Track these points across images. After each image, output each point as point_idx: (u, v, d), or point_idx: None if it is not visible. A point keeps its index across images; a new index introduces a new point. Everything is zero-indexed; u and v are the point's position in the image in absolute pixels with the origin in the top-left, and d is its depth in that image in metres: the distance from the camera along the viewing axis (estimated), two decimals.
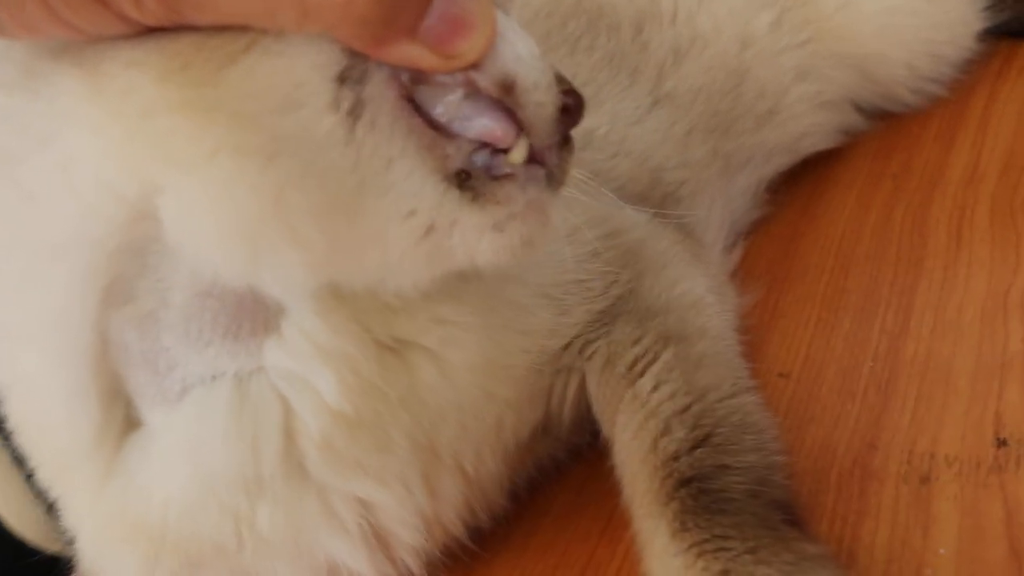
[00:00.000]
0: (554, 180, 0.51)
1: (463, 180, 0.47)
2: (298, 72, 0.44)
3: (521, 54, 0.47)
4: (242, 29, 0.43)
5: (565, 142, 0.52)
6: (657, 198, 0.83)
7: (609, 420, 0.63)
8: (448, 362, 0.56)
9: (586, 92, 0.80)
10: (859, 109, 1.02)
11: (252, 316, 0.52)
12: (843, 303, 0.77)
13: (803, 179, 0.98)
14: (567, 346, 0.65)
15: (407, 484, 0.56)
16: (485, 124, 0.47)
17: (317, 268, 0.49)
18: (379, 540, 0.58)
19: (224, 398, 0.53)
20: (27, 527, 0.77)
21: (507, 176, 0.48)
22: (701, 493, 0.55)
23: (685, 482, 0.56)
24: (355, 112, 0.44)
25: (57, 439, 0.54)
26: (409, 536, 0.58)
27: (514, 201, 0.48)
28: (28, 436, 0.57)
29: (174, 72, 0.43)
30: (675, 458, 0.57)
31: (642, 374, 0.62)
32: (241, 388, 0.53)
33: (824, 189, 0.95)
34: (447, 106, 0.47)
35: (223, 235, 0.46)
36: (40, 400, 0.54)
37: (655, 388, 0.61)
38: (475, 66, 0.46)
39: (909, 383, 0.66)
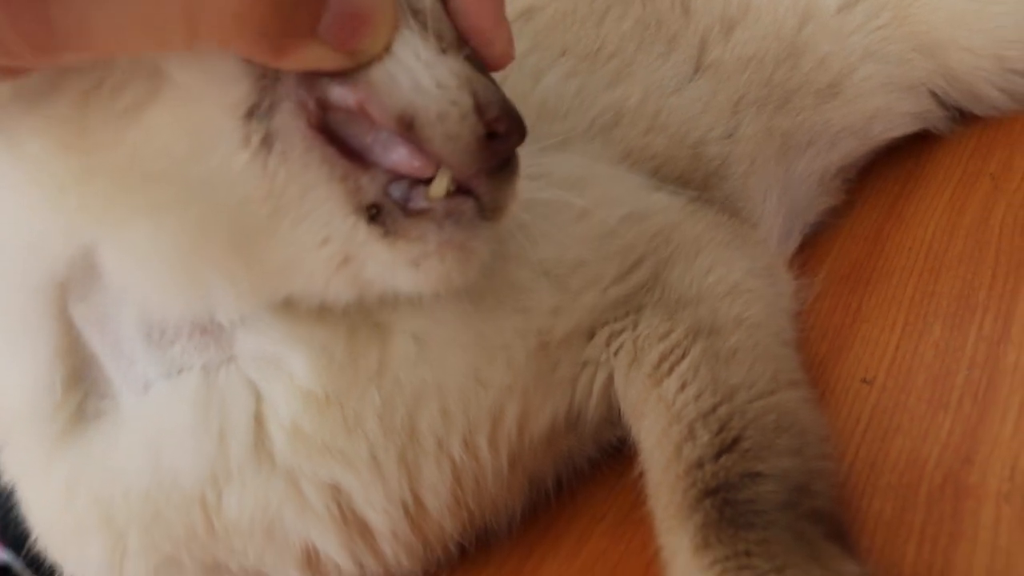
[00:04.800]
0: (487, 211, 0.48)
1: (373, 215, 0.44)
2: (204, 118, 0.43)
3: (423, 83, 0.44)
4: (129, 79, 0.43)
5: (502, 167, 0.48)
6: (699, 179, 0.77)
7: (636, 423, 0.58)
8: (427, 338, 0.53)
9: (613, 64, 0.74)
10: (941, 103, 0.94)
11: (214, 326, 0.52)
12: (933, 308, 0.70)
13: (890, 178, 0.91)
14: (591, 337, 0.60)
15: (380, 467, 0.53)
16: (400, 155, 0.44)
17: (255, 295, 0.48)
18: (354, 526, 0.54)
19: (190, 392, 0.51)
20: None
21: (423, 212, 0.45)
22: (726, 504, 0.49)
23: (709, 492, 0.50)
24: (267, 143, 0.43)
25: (10, 399, 0.54)
26: (385, 523, 0.54)
27: (427, 240, 0.45)
28: None
29: (74, 138, 0.43)
30: (699, 465, 0.52)
31: (669, 373, 0.57)
32: (208, 380, 0.52)
33: (913, 188, 0.88)
34: (360, 134, 0.45)
35: (158, 285, 0.48)
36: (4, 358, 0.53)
37: (681, 388, 0.56)
38: (368, 100, 0.43)
39: (1011, 393, 0.58)
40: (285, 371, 0.52)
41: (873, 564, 0.50)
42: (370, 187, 0.44)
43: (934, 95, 0.93)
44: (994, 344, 0.63)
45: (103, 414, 0.53)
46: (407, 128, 0.44)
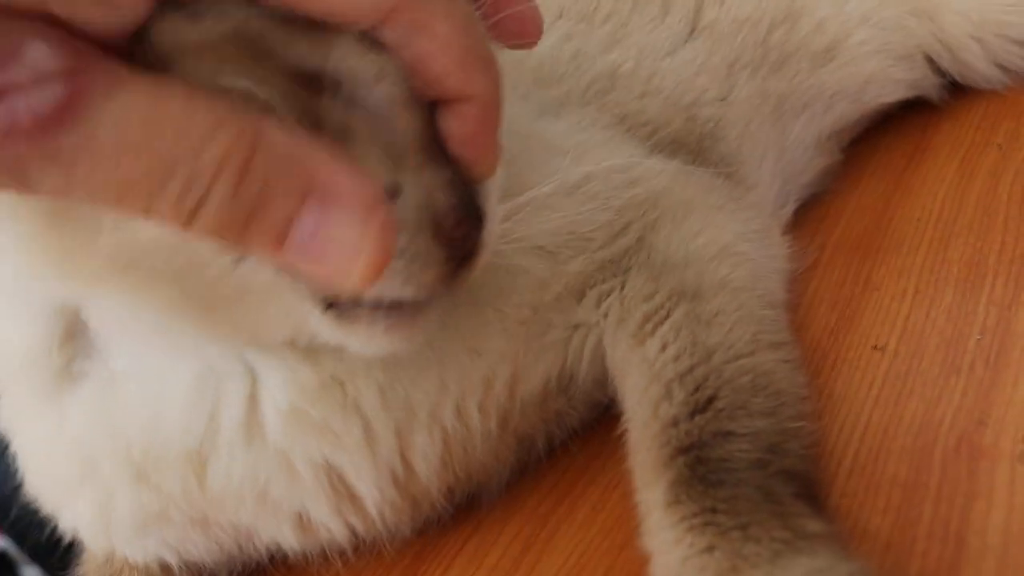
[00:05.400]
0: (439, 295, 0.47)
1: (329, 305, 0.46)
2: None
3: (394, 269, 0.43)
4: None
5: (463, 260, 0.46)
6: (693, 142, 0.77)
7: (621, 383, 0.58)
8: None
9: (608, 27, 0.78)
10: (937, 70, 0.94)
11: None
12: (944, 275, 0.70)
13: (896, 151, 0.91)
14: (581, 298, 0.61)
15: (374, 442, 0.54)
16: None
17: (229, 344, 0.52)
18: (344, 495, 0.56)
19: (186, 367, 0.53)
20: None
21: (373, 303, 0.45)
22: (698, 463, 0.50)
23: (683, 450, 0.51)
24: (239, 259, 0.44)
25: (9, 350, 0.55)
26: (374, 492, 0.56)
27: (376, 325, 0.46)
28: None
29: (46, 229, 0.43)
30: (673, 424, 0.53)
31: (652, 334, 0.58)
32: (207, 363, 0.53)
33: (920, 161, 0.88)
34: None
35: (143, 338, 0.52)
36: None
37: (662, 349, 0.57)
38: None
39: (1023, 356, 0.59)
40: (286, 361, 0.53)
41: (889, 524, 0.50)
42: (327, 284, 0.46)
43: (930, 61, 0.93)
44: (1005, 308, 0.64)
45: (88, 374, 0.54)
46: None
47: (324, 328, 0.47)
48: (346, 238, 0.36)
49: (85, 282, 0.46)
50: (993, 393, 0.57)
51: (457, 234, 0.44)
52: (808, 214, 0.85)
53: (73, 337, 0.53)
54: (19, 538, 0.99)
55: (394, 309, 0.46)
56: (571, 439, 0.64)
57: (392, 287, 0.43)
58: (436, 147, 0.44)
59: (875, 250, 0.76)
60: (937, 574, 0.47)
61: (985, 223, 0.74)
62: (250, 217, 0.36)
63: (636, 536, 0.57)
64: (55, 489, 0.58)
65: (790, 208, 0.82)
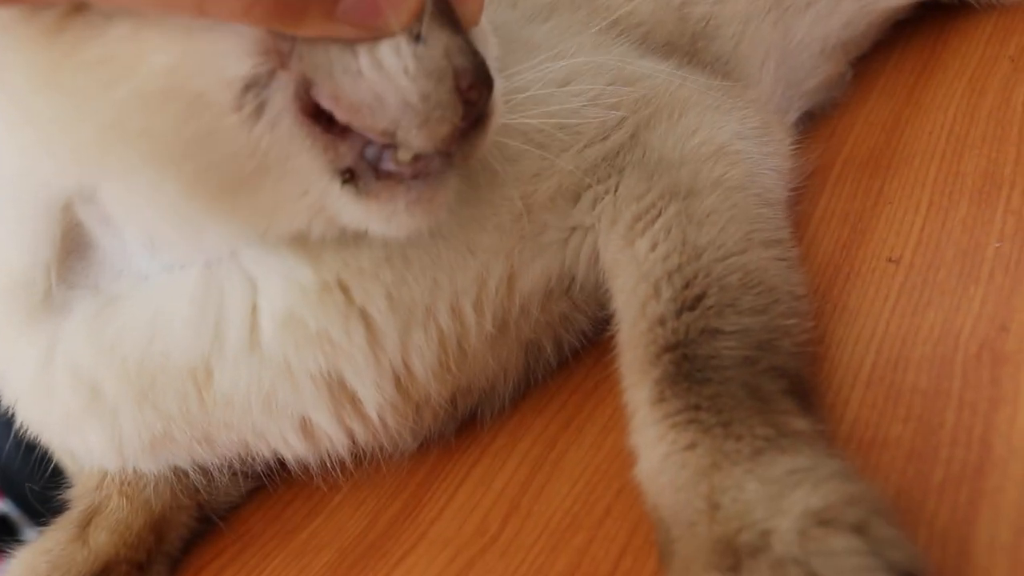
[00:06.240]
0: (456, 160, 0.48)
1: (347, 178, 0.46)
2: (200, 88, 0.43)
3: (409, 100, 0.43)
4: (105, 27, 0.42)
5: (477, 122, 0.47)
6: (686, 42, 0.75)
7: (611, 282, 0.58)
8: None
9: None
10: None
11: None
12: (958, 187, 0.68)
13: (905, 68, 0.88)
14: (576, 200, 0.59)
15: (378, 345, 0.54)
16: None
17: (244, 234, 0.51)
18: (345, 399, 0.55)
19: (189, 286, 0.52)
20: None
21: (392, 174, 0.46)
22: (684, 359, 0.49)
23: (669, 348, 0.50)
24: (257, 113, 0.43)
25: None
26: (375, 395, 0.55)
27: (396, 200, 0.46)
28: None
29: (52, 72, 0.43)
30: (661, 322, 0.51)
31: (642, 233, 0.57)
32: (208, 274, 0.52)
33: (930, 76, 0.85)
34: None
35: (155, 224, 0.50)
36: None
37: (652, 248, 0.56)
38: (354, 121, 0.45)
39: None
40: (287, 262, 0.52)
41: (911, 432, 0.49)
42: (347, 154, 0.46)
43: None
44: (1023, 217, 0.61)
45: (79, 299, 0.54)
46: (390, 137, 0.45)
47: (343, 205, 0.46)
48: None
49: (95, 150, 0.45)
50: (1014, 299, 0.55)
51: (473, 91, 0.45)
52: (817, 131, 0.82)
53: (71, 251, 0.52)
54: (20, 499, 0.98)
55: (416, 178, 0.46)
56: (583, 349, 0.63)
57: (411, 134, 0.44)
58: (449, 15, 0.45)
59: (886, 165, 0.74)
60: (962, 480, 0.45)
61: (999, 135, 0.72)
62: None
63: None
64: (59, 421, 0.57)
65: (793, 115, 0.80)
